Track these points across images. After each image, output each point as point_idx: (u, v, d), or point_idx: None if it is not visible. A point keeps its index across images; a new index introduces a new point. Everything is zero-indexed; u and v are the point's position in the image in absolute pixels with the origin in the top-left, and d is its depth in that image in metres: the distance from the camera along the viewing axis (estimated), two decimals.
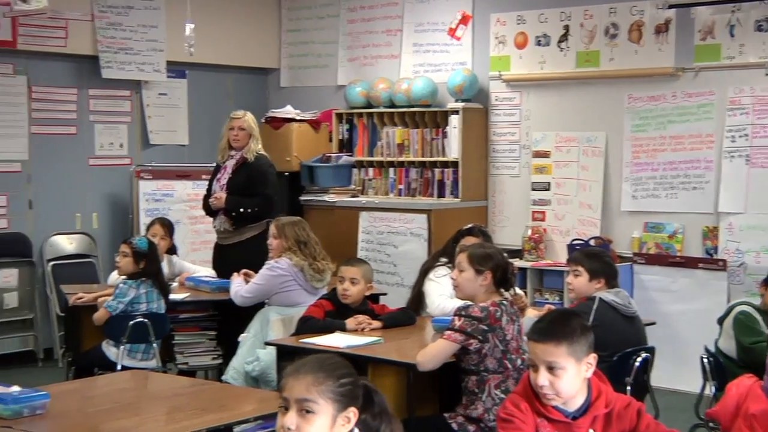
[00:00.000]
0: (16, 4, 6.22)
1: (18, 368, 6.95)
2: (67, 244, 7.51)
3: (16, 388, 3.32)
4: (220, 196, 6.27)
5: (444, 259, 5.09)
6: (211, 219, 6.49)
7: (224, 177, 6.36)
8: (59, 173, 7.45)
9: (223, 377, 5.32)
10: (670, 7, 6.61)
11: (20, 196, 7.28)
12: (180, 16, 6.75)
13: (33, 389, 3.38)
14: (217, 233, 6.44)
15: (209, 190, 6.47)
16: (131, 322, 5.18)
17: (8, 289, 7.17)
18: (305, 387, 2.22)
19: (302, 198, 7.91)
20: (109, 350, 5.28)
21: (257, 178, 6.31)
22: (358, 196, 7.83)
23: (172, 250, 6.24)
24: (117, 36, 7.57)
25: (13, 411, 3.20)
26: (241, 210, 6.24)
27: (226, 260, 6.26)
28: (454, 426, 3.88)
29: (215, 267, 6.38)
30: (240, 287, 5.49)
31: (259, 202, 6.27)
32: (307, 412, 2.22)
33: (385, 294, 5.93)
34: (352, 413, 2.25)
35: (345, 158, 7.93)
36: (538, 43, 7.33)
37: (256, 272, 5.72)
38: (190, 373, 5.66)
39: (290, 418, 2.22)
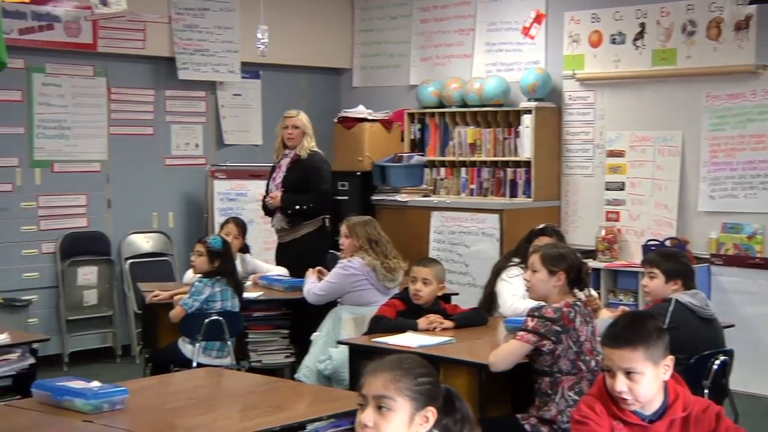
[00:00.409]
0: (96, 7, 6.35)
1: (97, 364, 7.10)
2: (144, 242, 7.65)
3: (96, 384, 3.38)
4: (276, 195, 6.36)
5: (516, 260, 5.05)
6: (270, 219, 6.58)
7: (279, 176, 6.46)
8: (136, 173, 7.59)
9: (296, 375, 5.36)
10: (751, 2, 6.46)
11: (99, 195, 7.43)
12: (254, 18, 6.82)
13: (112, 385, 3.44)
14: (276, 232, 6.55)
15: (267, 190, 6.55)
16: (206, 320, 5.25)
17: (88, 286, 7.32)
18: (383, 384, 2.23)
19: (374, 198, 7.93)
20: (185, 347, 5.36)
21: (311, 174, 6.38)
22: (429, 196, 7.82)
23: (245, 249, 6.31)
24: (193, 38, 7.69)
25: (93, 406, 3.26)
26: (297, 207, 6.32)
27: (284, 257, 6.38)
28: (527, 427, 3.85)
29: (277, 265, 6.46)
30: (313, 285, 5.53)
31: (313, 198, 6.35)
32: (385, 409, 2.22)
33: (456, 294, 5.92)
34: (431, 413, 2.25)
35: (417, 158, 7.93)
36: (613, 42, 7.23)
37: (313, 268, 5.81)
38: (263, 371, 5.72)
39: (368, 415, 2.23)
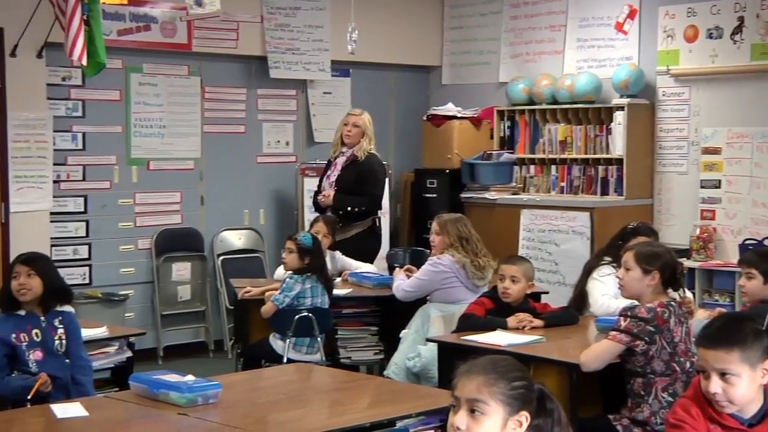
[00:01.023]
0: (191, 8, 6.47)
1: (190, 358, 7.23)
2: (236, 239, 7.77)
3: (190, 378, 3.45)
4: (329, 193, 6.34)
5: (608, 258, 4.98)
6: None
7: (334, 174, 6.42)
8: (229, 171, 7.72)
9: (385, 372, 5.38)
10: None
11: (193, 192, 7.57)
12: (344, 16, 6.87)
13: (206, 379, 3.50)
14: None
15: (320, 186, 6.54)
16: (297, 316, 5.30)
17: (182, 282, 7.47)
18: (476, 387, 2.20)
19: (463, 195, 7.90)
20: (276, 343, 5.42)
21: (366, 176, 6.37)
22: (519, 194, 7.76)
23: (334, 247, 6.35)
24: (284, 37, 7.78)
25: (188, 399, 3.32)
26: (348, 208, 6.31)
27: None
28: (619, 428, 3.79)
29: None
30: (402, 282, 5.54)
31: (366, 201, 6.37)
32: (478, 413, 2.19)
33: (546, 292, 5.86)
34: (524, 417, 2.22)
35: (506, 155, 7.87)
36: (710, 36, 7.07)
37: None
38: (352, 367, 5.75)
39: (460, 418, 2.21)
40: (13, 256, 6.39)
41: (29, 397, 3.69)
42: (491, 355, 2.33)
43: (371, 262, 6.46)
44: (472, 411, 2.20)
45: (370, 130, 6.45)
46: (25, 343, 3.92)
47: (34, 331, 3.95)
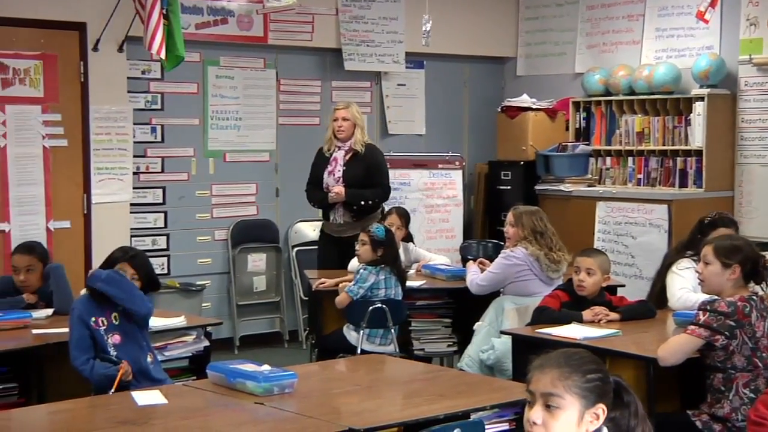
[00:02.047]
0: (268, 1, 6.54)
1: (266, 348, 7.32)
2: (310, 230, 7.80)
3: (266, 367, 3.49)
4: (340, 189, 6.26)
5: (689, 252, 4.89)
6: (318, 210, 6.56)
7: (337, 169, 6.35)
8: (303, 162, 7.72)
9: (458, 365, 5.38)
10: None
11: (268, 184, 7.65)
12: (419, 8, 6.86)
13: (281, 369, 3.54)
14: (334, 227, 6.40)
15: (314, 182, 6.43)
16: (370, 308, 5.32)
17: (258, 272, 7.56)
18: (550, 381, 2.19)
19: (537, 188, 7.84)
20: (350, 334, 5.45)
21: (373, 168, 6.35)
22: (595, 186, 7.68)
23: (408, 238, 6.36)
24: (359, 29, 7.80)
25: (264, 389, 3.36)
26: (362, 202, 6.28)
27: (346, 253, 6.12)
28: (698, 424, 3.73)
29: (329, 261, 6.33)
30: (476, 275, 5.52)
31: (378, 193, 6.36)
32: (553, 407, 2.18)
33: (623, 285, 5.78)
34: (601, 410, 2.20)
35: (582, 147, 7.79)
36: None
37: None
38: (425, 359, 5.76)
39: (536, 413, 2.19)
40: (95, 247, 6.59)
41: (112, 391, 3.77)
42: (565, 349, 2.32)
43: None
44: (547, 405, 2.19)
45: (360, 120, 6.41)
46: (104, 327, 4.01)
47: (113, 314, 4.04)
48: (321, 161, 6.46)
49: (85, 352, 3.95)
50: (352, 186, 6.29)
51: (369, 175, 6.33)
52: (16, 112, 6.36)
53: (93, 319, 4.00)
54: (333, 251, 6.41)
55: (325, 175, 6.39)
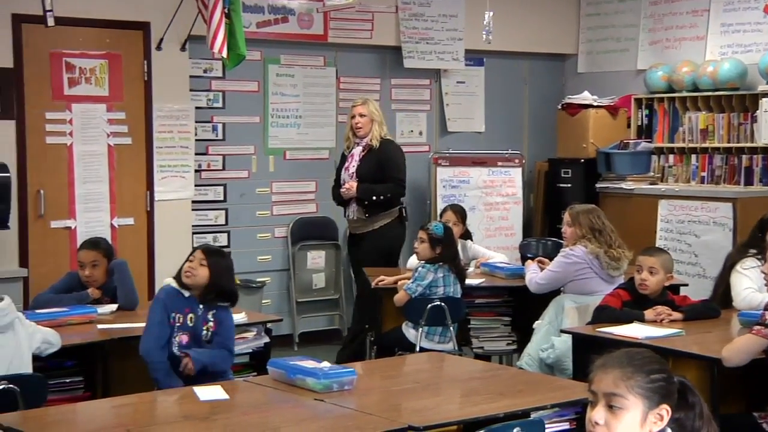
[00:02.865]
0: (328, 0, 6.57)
1: (325, 345, 7.35)
2: None
3: (326, 364, 3.51)
4: (351, 185, 6.26)
5: (752, 251, 4.80)
6: (342, 209, 6.55)
7: (352, 165, 6.35)
8: None
9: (518, 363, 5.35)
10: None
11: (328, 182, 7.64)
12: (479, 5, 6.83)
13: (341, 366, 3.57)
14: (350, 222, 6.49)
15: (338, 179, 6.46)
16: (429, 306, 5.32)
17: (317, 270, 7.60)
18: (613, 381, 2.16)
19: (598, 185, 7.77)
20: (409, 332, 5.45)
21: (386, 163, 6.28)
22: (657, 184, 7.58)
23: (466, 236, 6.34)
24: (419, 26, 7.80)
25: (324, 385, 3.38)
26: (374, 198, 6.24)
27: (360, 249, 6.30)
28: (765, 426, 3.67)
29: (350, 259, 6.44)
30: (535, 274, 5.49)
31: (391, 188, 6.30)
32: (616, 407, 2.16)
33: (686, 285, 5.71)
34: (665, 411, 2.17)
35: (644, 145, 7.70)
36: None
37: (391, 261, 5.82)
38: (485, 357, 5.74)
39: (598, 413, 2.17)
40: (158, 244, 6.68)
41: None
42: (627, 348, 2.29)
43: (398, 254, 6.43)
44: (610, 405, 2.17)
45: (378, 115, 6.36)
46: (178, 325, 4.07)
47: (190, 315, 4.09)
48: (342, 159, 6.52)
49: (163, 348, 4.00)
50: (365, 181, 6.26)
51: (381, 170, 6.28)
52: (82, 110, 6.48)
53: (172, 314, 4.06)
54: (353, 251, 6.50)
55: (342, 171, 6.44)
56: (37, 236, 6.34)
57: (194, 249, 4.22)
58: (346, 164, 6.40)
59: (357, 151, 6.38)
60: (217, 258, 4.17)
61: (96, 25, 6.49)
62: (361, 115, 6.32)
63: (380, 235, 6.36)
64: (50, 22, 5.64)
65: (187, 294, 4.11)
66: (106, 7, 6.49)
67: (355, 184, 6.26)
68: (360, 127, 6.32)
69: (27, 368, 3.75)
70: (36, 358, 3.87)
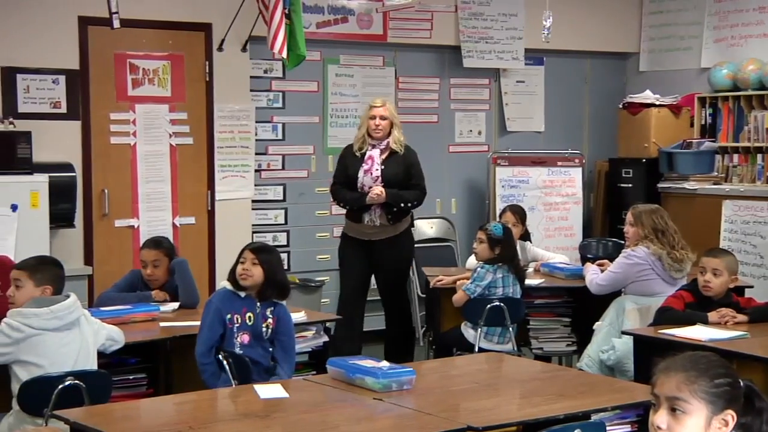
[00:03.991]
0: None
1: (384, 345, 7.35)
2: (428, 228, 7.84)
3: (385, 364, 3.52)
4: (381, 190, 5.87)
5: None
6: (341, 210, 6.24)
7: (375, 168, 5.96)
8: (421, 160, 7.69)
9: (578, 364, 5.31)
10: None
11: None
12: (539, 3, 6.78)
13: (400, 365, 3.57)
14: (366, 229, 6.03)
15: (345, 181, 6.03)
16: (488, 306, 5.30)
17: None
18: (676, 385, 2.13)
19: (660, 185, 7.67)
20: (467, 332, 5.44)
21: (413, 170, 6.03)
22: (721, 184, 7.45)
23: (525, 237, 6.30)
24: (478, 26, 7.77)
25: (383, 385, 3.39)
26: (402, 204, 5.96)
27: (379, 256, 6.00)
28: None
29: (356, 267, 6.08)
30: (596, 275, 5.44)
31: (418, 195, 6.04)
32: (679, 411, 2.12)
33: (750, 287, 5.60)
34: (730, 416, 2.12)
35: (707, 144, 7.58)
36: None
37: (408, 267, 5.72)
38: (544, 358, 5.71)
39: (661, 417, 2.14)
40: (218, 243, 6.76)
41: None
42: (692, 352, 2.25)
43: (413, 255, 6.28)
44: (673, 410, 2.13)
45: (397, 118, 6.09)
46: (237, 325, 4.11)
47: (248, 314, 4.13)
48: (352, 160, 6.04)
49: (211, 350, 4.05)
50: (392, 186, 5.93)
51: (408, 176, 6.00)
52: (145, 111, 6.58)
53: (229, 315, 4.10)
54: (361, 256, 6.08)
55: (360, 173, 5.98)
56: (101, 235, 6.45)
57: (242, 250, 4.23)
58: (367, 167, 5.98)
59: (376, 154, 5.99)
60: (267, 255, 4.20)
61: (159, 27, 6.58)
62: (382, 117, 5.99)
63: (401, 241, 6.09)
64: (116, 24, 5.74)
65: (243, 294, 4.15)
66: (169, 9, 6.58)
67: (383, 190, 5.89)
68: (380, 130, 5.97)
69: (92, 365, 3.82)
70: (100, 355, 3.94)
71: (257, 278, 4.14)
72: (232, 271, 4.19)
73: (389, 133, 6.00)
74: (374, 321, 7.57)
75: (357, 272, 6.10)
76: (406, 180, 5.99)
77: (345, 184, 6.06)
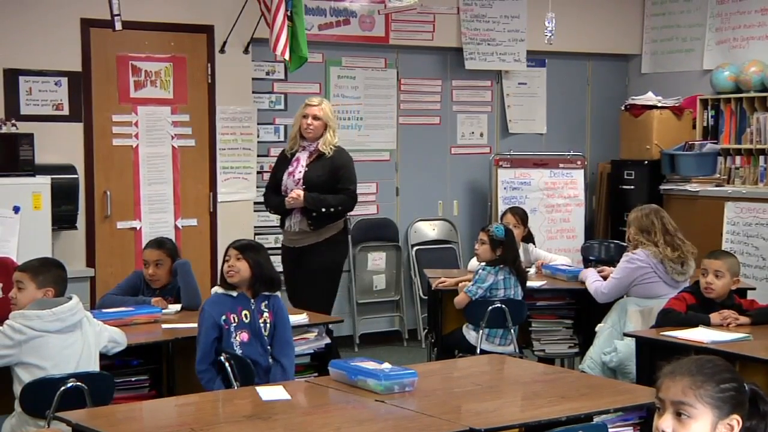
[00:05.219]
0: (390, 1, 6.57)
1: (385, 346, 7.37)
2: (429, 230, 7.84)
3: (387, 366, 3.51)
4: (298, 194, 5.50)
5: None
6: (270, 214, 5.98)
7: (298, 171, 5.60)
8: (423, 162, 7.80)
9: (580, 366, 5.31)
10: None
11: (388, 183, 7.70)
12: (541, 5, 6.79)
13: (402, 367, 3.56)
14: (289, 234, 5.68)
15: (273, 185, 5.74)
16: (490, 308, 5.30)
17: (377, 271, 7.62)
18: (681, 389, 2.12)
19: (662, 187, 7.67)
20: (469, 334, 5.44)
21: (340, 172, 5.60)
22: (723, 186, 7.45)
23: (528, 239, 6.29)
24: (480, 28, 7.77)
25: (385, 387, 3.39)
26: (323, 210, 5.54)
27: (303, 264, 5.62)
28: None
29: (286, 273, 5.66)
30: (599, 284, 5.40)
31: (344, 200, 5.61)
32: (684, 416, 2.12)
33: (753, 288, 5.61)
34: (735, 421, 2.12)
35: (709, 146, 7.58)
36: None
37: (336, 276, 5.56)
38: (546, 360, 5.70)
39: (666, 421, 2.13)
40: (221, 244, 6.76)
41: None
42: (697, 356, 2.24)
43: (343, 266, 5.83)
44: (678, 414, 2.12)
45: (333, 120, 5.65)
46: (234, 324, 4.10)
47: (244, 312, 4.13)
48: (282, 162, 5.72)
49: (207, 360, 4.05)
50: (314, 190, 5.52)
51: (334, 179, 5.58)
52: (147, 113, 6.58)
53: (224, 317, 4.09)
54: (289, 264, 5.72)
55: (285, 176, 5.64)
56: (103, 237, 6.46)
57: (226, 250, 4.24)
58: (291, 169, 5.62)
59: (303, 156, 5.62)
60: (250, 250, 4.20)
61: (161, 29, 6.59)
62: (315, 117, 5.58)
63: (326, 248, 5.63)
64: (118, 26, 5.75)
65: (235, 294, 4.15)
66: (171, 11, 6.59)
67: (301, 193, 5.50)
68: (311, 130, 5.58)
69: (94, 366, 3.82)
70: (103, 357, 3.94)
71: (244, 273, 4.13)
72: (221, 272, 4.20)
73: (321, 135, 5.61)
74: (371, 323, 7.60)
75: (288, 282, 5.68)
76: (331, 183, 5.56)
77: (274, 189, 5.72)
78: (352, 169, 5.72)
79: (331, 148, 5.60)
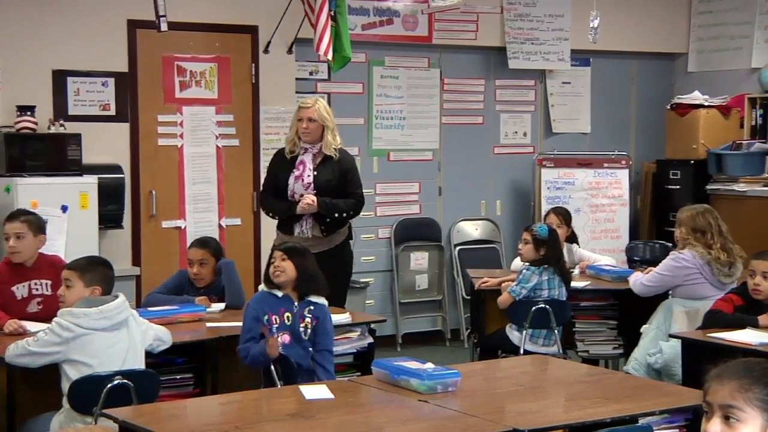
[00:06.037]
0: (433, 1, 6.56)
1: (428, 346, 7.36)
2: (472, 229, 7.82)
3: (430, 365, 3.51)
4: (312, 199, 5.26)
5: None
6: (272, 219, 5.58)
7: (306, 174, 5.35)
8: (466, 162, 7.78)
9: (625, 368, 5.26)
10: None
11: (431, 183, 7.69)
12: (586, 4, 6.74)
13: (444, 367, 3.56)
14: (300, 241, 5.14)
15: (273, 189, 5.44)
16: (533, 308, 5.27)
17: (420, 271, 7.61)
18: (729, 393, 2.08)
19: (709, 187, 7.59)
20: (512, 334, 5.42)
21: (351, 176, 5.42)
22: None
23: (572, 239, 6.25)
24: (524, 27, 7.74)
25: (428, 386, 3.38)
26: (336, 215, 5.34)
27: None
28: None
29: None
30: (641, 276, 5.39)
31: (354, 204, 5.42)
32: (733, 420, 2.08)
33: None
34: None
35: (758, 145, 7.48)
36: None
37: (346, 282, 5.47)
38: (590, 361, 5.66)
39: (714, 426, 2.09)
40: (264, 243, 6.79)
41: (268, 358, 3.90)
42: (745, 359, 2.20)
43: (351, 271, 5.62)
44: (726, 418, 2.09)
45: (330, 120, 5.36)
46: (276, 326, 4.12)
47: (286, 314, 4.15)
48: (283, 165, 5.43)
49: (247, 341, 4.08)
50: (324, 195, 5.32)
51: (344, 184, 5.38)
52: (192, 113, 6.64)
53: (266, 317, 4.12)
54: None
55: (291, 180, 5.36)
56: (149, 236, 6.52)
57: (271, 252, 4.26)
58: (297, 173, 5.36)
59: (308, 158, 5.37)
60: (296, 253, 4.23)
61: (206, 30, 6.64)
62: (310, 120, 5.30)
63: (336, 255, 5.42)
64: (163, 27, 5.80)
65: (280, 294, 4.17)
66: (216, 12, 6.64)
67: (315, 199, 5.28)
68: (307, 133, 5.32)
69: (140, 364, 3.86)
70: (148, 355, 3.97)
71: (290, 273, 4.16)
72: (266, 273, 4.23)
73: (321, 137, 5.36)
74: (413, 323, 7.60)
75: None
76: (341, 187, 5.37)
77: (274, 192, 5.45)
78: (357, 172, 5.57)
79: (336, 151, 5.38)
